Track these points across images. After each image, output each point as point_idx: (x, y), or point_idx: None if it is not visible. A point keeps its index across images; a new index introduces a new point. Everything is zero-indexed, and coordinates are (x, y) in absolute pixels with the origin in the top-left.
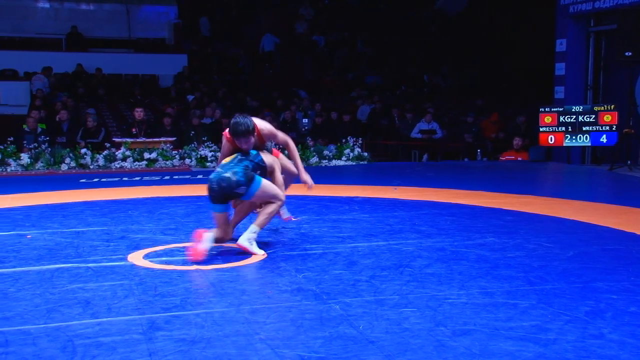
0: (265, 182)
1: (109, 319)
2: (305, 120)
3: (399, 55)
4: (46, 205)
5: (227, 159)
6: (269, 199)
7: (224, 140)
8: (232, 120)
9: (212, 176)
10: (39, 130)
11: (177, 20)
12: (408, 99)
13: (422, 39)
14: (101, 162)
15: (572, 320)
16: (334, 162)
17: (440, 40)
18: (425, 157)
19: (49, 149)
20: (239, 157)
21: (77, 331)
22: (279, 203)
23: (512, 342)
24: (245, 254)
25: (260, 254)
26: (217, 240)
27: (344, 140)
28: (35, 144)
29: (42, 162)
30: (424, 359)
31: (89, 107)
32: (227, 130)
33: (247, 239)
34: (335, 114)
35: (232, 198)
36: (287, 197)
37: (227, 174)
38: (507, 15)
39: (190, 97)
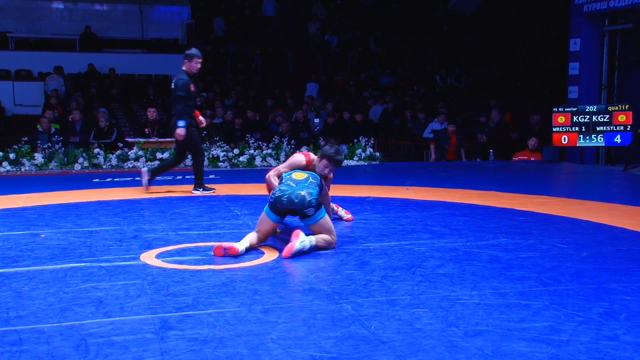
0: (327, 216)
1: (121, 318)
2: (317, 120)
3: (412, 55)
4: (60, 205)
5: (299, 176)
6: (326, 232)
7: (303, 160)
8: (333, 149)
9: (284, 188)
10: (53, 130)
11: (190, 21)
12: (420, 99)
13: (435, 39)
14: (114, 161)
15: (585, 321)
16: (346, 162)
17: (454, 40)
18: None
19: (63, 148)
20: (311, 179)
21: (90, 330)
22: (334, 240)
23: (525, 343)
24: (257, 253)
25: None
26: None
27: (356, 140)
28: (49, 144)
29: (55, 162)
30: None
31: (102, 107)
32: (306, 151)
33: (300, 241)
34: (348, 114)
35: (295, 215)
36: None
37: (303, 192)
38: (520, 15)
39: (204, 94)
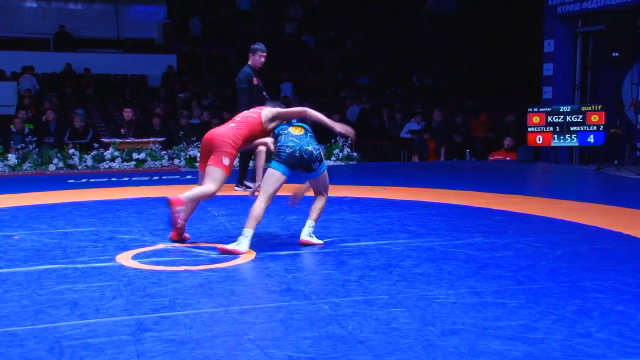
0: (325, 171)
1: (97, 320)
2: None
3: (389, 55)
4: (34, 206)
5: (297, 131)
6: (323, 188)
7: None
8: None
9: (292, 144)
10: (26, 130)
11: (166, 20)
12: (397, 99)
13: (412, 39)
14: (89, 162)
15: (559, 319)
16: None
17: (430, 41)
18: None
19: (37, 149)
20: (307, 131)
21: (65, 332)
22: (326, 197)
23: (501, 341)
24: (235, 254)
25: (321, 242)
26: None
27: (333, 141)
28: (23, 145)
29: (29, 163)
30: (412, 359)
31: (77, 107)
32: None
33: (307, 234)
34: (325, 113)
35: (301, 169)
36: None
37: (310, 148)
38: (496, 16)
39: (182, 95)
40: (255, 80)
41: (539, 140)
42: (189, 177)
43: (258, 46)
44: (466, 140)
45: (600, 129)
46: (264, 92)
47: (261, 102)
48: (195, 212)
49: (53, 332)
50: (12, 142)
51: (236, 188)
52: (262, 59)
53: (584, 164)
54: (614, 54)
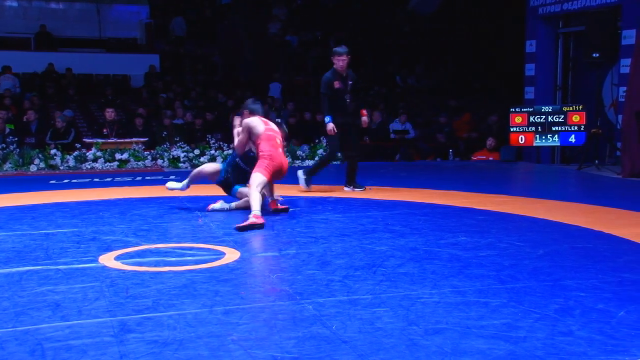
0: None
1: (79, 321)
2: (278, 120)
3: (372, 55)
4: (15, 207)
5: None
6: None
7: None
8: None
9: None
10: (7, 130)
11: (148, 20)
12: (381, 99)
13: (396, 39)
14: (71, 163)
15: (542, 318)
16: (308, 163)
17: (414, 41)
18: (397, 156)
19: (18, 149)
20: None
21: (47, 334)
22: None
23: (484, 340)
24: (218, 253)
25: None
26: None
27: (317, 141)
28: (3, 145)
29: (10, 163)
30: (396, 358)
31: (59, 108)
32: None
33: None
34: (309, 114)
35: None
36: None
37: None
38: (479, 16)
39: (164, 95)
40: (336, 84)
41: (521, 140)
42: (172, 177)
43: (336, 49)
44: (449, 140)
45: (581, 129)
46: (346, 96)
47: (344, 107)
48: (180, 213)
49: (35, 334)
50: None
51: (346, 188)
52: (341, 62)
53: (566, 163)
54: (594, 55)
